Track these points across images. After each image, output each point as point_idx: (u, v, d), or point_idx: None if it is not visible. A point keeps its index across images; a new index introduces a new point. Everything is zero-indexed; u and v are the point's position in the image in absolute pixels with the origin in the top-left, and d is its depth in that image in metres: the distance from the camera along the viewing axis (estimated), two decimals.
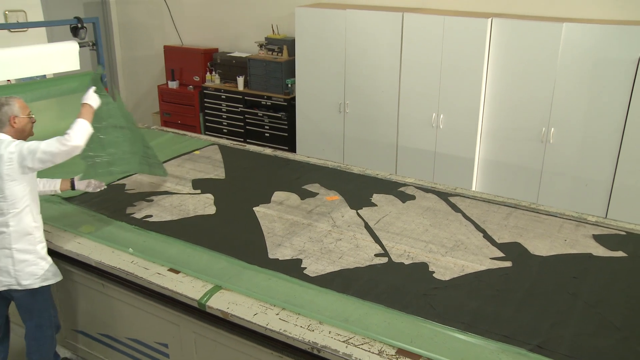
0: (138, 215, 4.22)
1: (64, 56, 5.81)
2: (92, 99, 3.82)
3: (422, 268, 3.55)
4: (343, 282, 3.38)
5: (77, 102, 5.90)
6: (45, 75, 6.01)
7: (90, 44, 6.13)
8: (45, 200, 4.42)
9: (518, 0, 6.11)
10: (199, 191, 4.66)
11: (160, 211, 4.29)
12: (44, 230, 3.64)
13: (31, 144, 3.33)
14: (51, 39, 7.37)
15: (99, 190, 4.15)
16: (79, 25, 5.98)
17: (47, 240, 3.83)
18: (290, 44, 7.17)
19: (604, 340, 2.89)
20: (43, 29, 7.33)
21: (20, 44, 6.19)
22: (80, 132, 3.45)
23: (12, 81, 5.88)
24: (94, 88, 3.88)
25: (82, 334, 4.08)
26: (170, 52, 8.25)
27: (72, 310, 4.08)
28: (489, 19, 5.80)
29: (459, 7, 6.42)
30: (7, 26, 6.54)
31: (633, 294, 3.31)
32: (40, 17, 7.41)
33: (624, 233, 3.91)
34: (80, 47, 5.92)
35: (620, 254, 3.69)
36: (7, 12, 7.09)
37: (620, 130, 5.48)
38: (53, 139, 3.37)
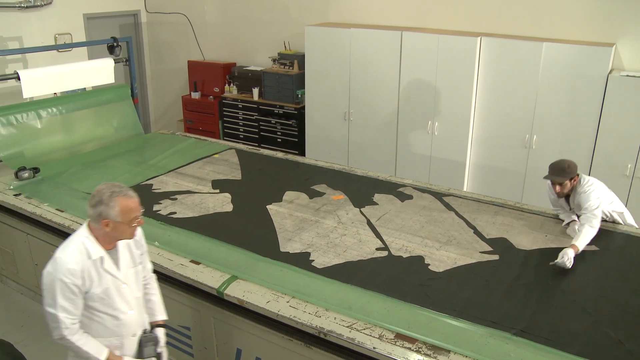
0: (163, 212, 4.22)
1: (101, 71, 5.88)
2: None
3: (418, 261, 3.54)
4: (347, 273, 3.37)
5: (111, 112, 6.00)
6: (85, 88, 6.05)
7: (124, 60, 6.18)
8: (83, 198, 4.44)
9: (504, 21, 6.09)
10: (217, 191, 4.66)
11: (183, 208, 4.29)
12: (79, 223, 3.62)
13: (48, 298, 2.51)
14: (91, 55, 7.48)
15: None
16: (115, 44, 6.04)
17: None
18: (301, 58, 7.15)
19: (578, 324, 2.90)
20: (85, 48, 7.45)
21: (66, 61, 6.30)
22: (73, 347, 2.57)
23: (58, 94, 5.94)
24: None
25: None
26: (193, 66, 8.25)
27: None
28: (479, 38, 5.77)
29: (452, 27, 6.39)
30: (56, 47, 6.69)
31: (603, 283, 3.31)
32: (83, 38, 7.57)
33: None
34: (115, 63, 5.97)
35: (593, 247, 3.67)
36: (56, 35, 7.23)
37: (593, 137, 5.46)
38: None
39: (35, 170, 4.93)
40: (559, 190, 3.84)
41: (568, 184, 3.78)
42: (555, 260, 3.38)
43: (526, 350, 2.67)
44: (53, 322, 2.50)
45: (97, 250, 2.54)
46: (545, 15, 5.87)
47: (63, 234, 4.05)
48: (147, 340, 2.74)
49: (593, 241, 3.69)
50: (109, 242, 2.59)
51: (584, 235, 3.53)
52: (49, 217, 4.13)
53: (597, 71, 5.32)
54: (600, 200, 3.70)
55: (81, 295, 2.51)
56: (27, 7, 6.80)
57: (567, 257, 3.36)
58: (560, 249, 3.49)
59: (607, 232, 3.90)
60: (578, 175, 3.81)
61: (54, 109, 5.56)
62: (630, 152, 5.32)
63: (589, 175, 5.54)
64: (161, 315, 2.91)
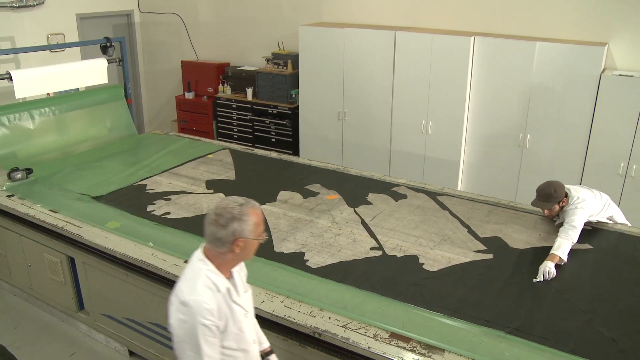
0: (158, 213, 4.21)
1: (94, 71, 5.86)
2: None
3: (412, 260, 3.54)
4: (341, 273, 3.37)
5: (105, 112, 5.98)
6: (78, 89, 6.03)
7: (118, 60, 6.17)
8: (77, 198, 4.43)
9: (498, 21, 6.10)
10: (212, 191, 4.65)
11: (177, 209, 4.28)
12: (75, 225, 3.60)
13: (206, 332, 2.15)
14: (84, 55, 7.46)
15: None
16: (108, 44, 6.02)
17: (78, 235, 3.83)
18: (294, 58, 7.15)
19: (571, 323, 2.90)
20: (78, 48, 7.44)
21: (59, 61, 6.28)
22: None
23: (51, 94, 5.92)
24: None
25: (109, 317, 4.07)
26: (187, 67, 8.24)
27: (101, 297, 4.07)
28: (472, 38, 5.78)
29: (446, 26, 6.41)
30: (49, 47, 6.66)
31: (596, 282, 3.32)
32: (75, 38, 7.55)
33: (590, 228, 3.89)
34: (108, 63, 5.95)
35: (586, 246, 3.68)
36: (49, 36, 7.20)
37: (587, 136, 5.49)
38: None
39: (28, 171, 4.91)
40: (548, 214, 3.86)
41: (557, 207, 3.77)
42: (538, 279, 3.30)
43: (520, 349, 2.67)
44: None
45: (223, 281, 2.23)
46: (538, 15, 5.89)
47: (56, 235, 4.05)
48: None
49: (586, 240, 3.71)
50: (229, 269, 2.29)
51: (560, 245, 3.45)
52: (42, 218, 4.11)
53: (590, 70, 5.34)
54: (586, 215, 3.68)
55: (219, 337, 2.21)
56: (19, 6, 6.77)
57: (549, 271, 3.30)
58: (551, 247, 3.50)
59: (601, 231, 3.92)
60: (567, 195, 3.77)
61: (47, 110, 5.53)
62: (623, 151, 5.35)
63: (582, 173, 5.58)
64: (266, 342, 2.63)
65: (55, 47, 6.67)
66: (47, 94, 5.86)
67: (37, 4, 6.96)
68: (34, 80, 5.31)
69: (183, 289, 2.18)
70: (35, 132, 5.40)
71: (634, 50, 5.55)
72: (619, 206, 4.19)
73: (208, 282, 2.18)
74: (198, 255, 2.27)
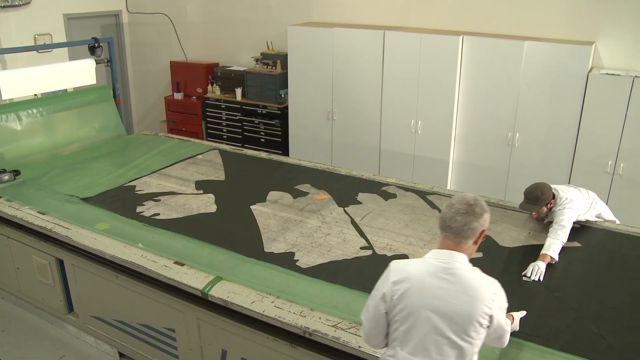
0: (147, 214, 4.19)
1: (82, 72, 5.83)
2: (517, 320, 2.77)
3: (402, 259, 3.54)
4: (332, 272, 3.37)
5: (93, 113, 5.94)
6: (66, 89, 5.99)
7: (106, 60, 6.14)
8: (65, 200, 4.40)
9: (486, 20, 6.13)
10: (201, 191, 4.64)
11: (166, 210, 4.27)
12: (64, 227, 3.58)
13: (504, 315, 2.21)
14: (72, 56, 7.42)
15: None
16: (96, 45, 5.99)
17: (67, 237, 3.81)
18: (284, 58, 7.14)
19: (561, 320, 2.92)
20: (65, 48, 7.39)
21: (47, 62, 6.24)
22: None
23: (39, 95, 5.88)
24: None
25: (99, 319, 4.05)
26: (176, 67, 8.21)
27: (90, 299, 4.05)
28: (461, 37, 5.81)
29: (434, 25, 6.43)
30: (36, 48, 6.61)
31: (586, 279, 3.34)
32: (63, 39, 7.50)
33: (579, 226, 3.92)
34: (96, 63, 5.92)
35: (575, 244, 3.71)
36: (36, 36, 7.15)
37: (575, 134, 5.53)
38: (509, 328, 2.28)
39: (16, 172, 4.87)
40: (536, 216, 3.87)
41: (545, 209, 3.78)
42: (526, 274, 3.33)
43: (510, 346, 2.68)
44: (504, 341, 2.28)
45: None
46: (526, 14, 5.93)
47: (45, 237, 4.02)
48: None
49: (575, 237, 3.73)
50: None
51: (550, 245, 3.47)
52: (30, 220, 4.08)
53: (577, 69, 5.38)
54: (575, 215, 3.70)
55: None
56: (4, 6, 6.71)
57: (537, 269, 3.32)
58: (543, 245, 3.52)
59: (589, 229, 3.95)
60: (554, 196, 3.78)
61: (35, 111, 5.48)
62: (611, 149, 5.39)
63: (571, 171, 5.62)
64: None
65: (42, 47, 6.62)
66: (35, 95, 5.82)
67: (24, 4, 6.90)
68: (21, 81, 5.27)
69: (483, 283, 2.13)
70: (23, 134, 5.36)
71: (620, 49, 5.60)
72: (607, 204, 4.22)
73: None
74: (459, 255, 2.17)
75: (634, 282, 3.32)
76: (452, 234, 2.18)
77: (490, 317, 2.10)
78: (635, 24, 5.46)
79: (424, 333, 2.10)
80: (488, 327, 2.12)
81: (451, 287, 2.10)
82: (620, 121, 5.28)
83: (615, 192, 5.46)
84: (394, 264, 2.26)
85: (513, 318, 2.73)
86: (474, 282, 2.11)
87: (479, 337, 2.11)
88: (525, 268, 3.37)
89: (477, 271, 2.17)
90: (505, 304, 2.18)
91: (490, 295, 2.10)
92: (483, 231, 2.21)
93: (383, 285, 2.23)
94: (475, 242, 2.22)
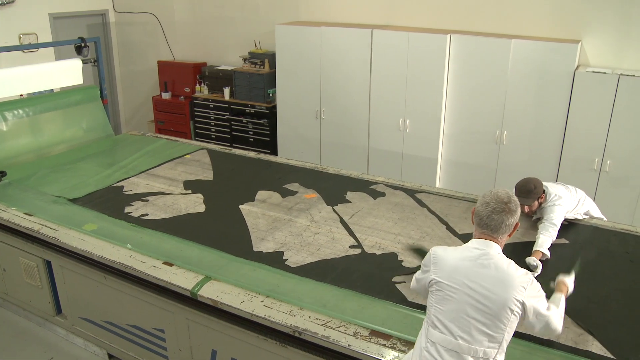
0: (135, 214, 4.17)
1: (69, 72, 5.78)
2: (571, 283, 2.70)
3: (392, 258, 3.55)
4: (321, 271, 3.37)
5: (80, 113, 5.90)
6: (52, 90, 5.94)
7: (93, 60, 6.10)
8: (52, 201, 4.37)
9: (473, 18, 6.16)
10: (189, 191, 4.62)
11: (155, 210, 4.25)
12: (51, 228, 3.56)
13: (543, 303, 2.24)
14: (58, 56, 7.36)
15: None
16: (83, 44, 5.95)
17: (54, 238, 3.78)
18: (271, 57, 7.14)
19: None
20: (51, 48, 7.33)
21: (32, 62, 6.19)
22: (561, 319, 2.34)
23: (24, 95, 5.83)
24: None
25: (88, 321, 4.02)
26: (164, 67, 8.18)
27: (79, 300, 4.02)
28: (448, 35, 5.83)
29: (422, 24, 6.45)
30: (21, 47, 6.55)
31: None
32: (49, 38, 7.44)
33: (566, 223, 3.94)
34: (83, 63, 5.88)
35: (563, 240, 3.73)
36: (21, 35, 7.09)
37: (562, 131, 5.57)
38: (556, 313, 2.29)
39: (2, 173, 4.82)
40: (527, 210, 3.90)
41: (536, 203, 3.80)
42: (535, 269, 3.36)
43: None
44: (553, 328, 2.27)
45: None
46: (513, 13, 5.96)
47: (32, 239, 3.99)
48: None
49: (563, 234, 3.76)
50: None
51: (543, 243, 3.51)
52: (17, 222, 4.04)
53: (564, 67, 5.42)
54: (564, 212, 3.74)
55: None
56: None
57: (537, 265, 3.37)
58: (532, 242, 3.54)
59: (576, 225, 3.98)
60: (544, 192, 3.81)
61: (21, 111, 5.44)
62: (597, 146, 5.43)
63: (558, 169, 5.66)
64: None
65: (27, 47, 6.56)
66: (21, 95, 5.77)
67: (7, 3, 6.83)
68: (6, 81, 5.22)
69: (517, 272, 2.22)
70: (9, 134, 5.32)
71: (606, 47, 5.65)
72: (594, 201, 4.25)
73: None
74: (494, 246, 2.29)
75: (621, 278, 3.35)
76: (490, 230, 2.30)
77: (522, 304, 2.16)
78: (621, 21, 5.52)
79: (459, 314, 2.20)
80: (522, 316, 2.19)
81: (487, 272, 2.20)
82: (606, 118, 5.33)
83: (602, 189, 5.51)
84: (435, 248, 2.38)
85: (566, 285, 2.67)
86: (508, 270, 2.21)
87: (510, 325, 2.18)
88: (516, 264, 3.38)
89: (511, 262, 2.27)
90: (540, 293, 2.24)
91: (523, 283, 2.18)
92: (517, 224, 2.33)
93: (425, 265, 2.37)
94: (509, 235, 2.35)
